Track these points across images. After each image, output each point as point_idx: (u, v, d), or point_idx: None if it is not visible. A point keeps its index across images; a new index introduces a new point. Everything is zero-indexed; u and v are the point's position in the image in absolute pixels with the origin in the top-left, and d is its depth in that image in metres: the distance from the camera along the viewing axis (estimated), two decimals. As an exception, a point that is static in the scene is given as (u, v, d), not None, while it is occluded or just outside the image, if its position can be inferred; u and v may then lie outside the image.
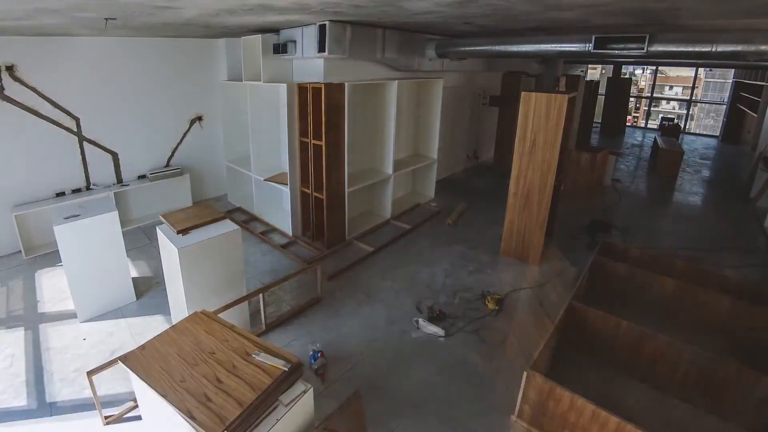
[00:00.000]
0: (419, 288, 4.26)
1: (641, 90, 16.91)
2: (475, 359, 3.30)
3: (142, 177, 5.69)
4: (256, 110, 5.41)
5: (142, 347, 2.11)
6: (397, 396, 2.92)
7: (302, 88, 4.74)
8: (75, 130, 5.01)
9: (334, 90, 4.53)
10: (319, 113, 4.57)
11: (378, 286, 4.27)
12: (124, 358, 2.04)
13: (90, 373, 2.66)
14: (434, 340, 3.50)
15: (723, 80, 15.03)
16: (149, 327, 3.64)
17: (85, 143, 5.12)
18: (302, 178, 5.12)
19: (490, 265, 4.74)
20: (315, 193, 4.95)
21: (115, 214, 3.74)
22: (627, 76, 16.29)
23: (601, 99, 12.76)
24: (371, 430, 2.59)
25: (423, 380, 3.07)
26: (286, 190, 5.17)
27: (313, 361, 3.12)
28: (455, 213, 6.03)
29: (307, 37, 4.51)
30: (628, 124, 11.13)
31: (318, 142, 4.69)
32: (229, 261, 3.36)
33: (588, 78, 12.15)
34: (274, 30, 4.86)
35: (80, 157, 5.12)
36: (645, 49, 3.69)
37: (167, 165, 5.95)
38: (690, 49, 3.53)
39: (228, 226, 3.38)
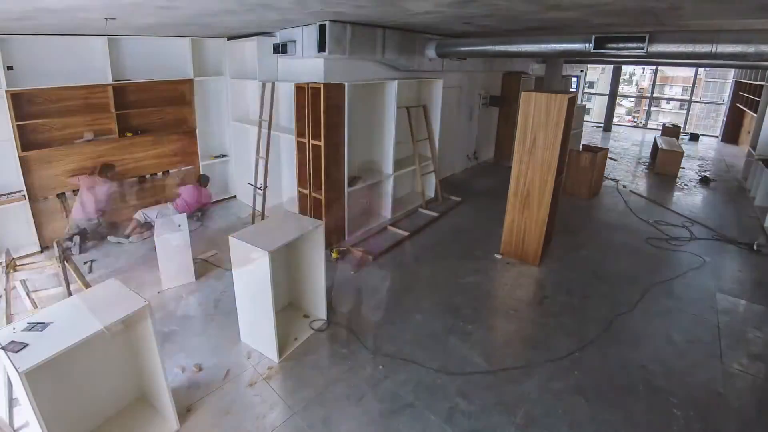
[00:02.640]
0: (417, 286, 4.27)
1: (641, 90, 16.91)
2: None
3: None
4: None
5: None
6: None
7: (300, 89, 4.69)
8: (75, 129, 5.01)
9: (333, 90, 4.51)
10: (318, 113, 4.53)
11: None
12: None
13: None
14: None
15: (723, 80, 15.05)
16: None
17: (85, 143, 5.12)
18: (300, 179, 5.06)
19: (489, 265, 4.75)
20: (314, 194, 4.92)
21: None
22: (627, 76, 16.30)
23: (602, 99, 12.75)
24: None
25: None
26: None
27: None
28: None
29: (307, 37, 4.51)
30: (628, 123, 11.10)
31: (317, 143, 4.66)
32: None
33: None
34: (275, 30, 4.87)
35: (80, 156, 5.12)
36: (645, 49, 3.69)
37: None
38: (690, 49, 3.52)
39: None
